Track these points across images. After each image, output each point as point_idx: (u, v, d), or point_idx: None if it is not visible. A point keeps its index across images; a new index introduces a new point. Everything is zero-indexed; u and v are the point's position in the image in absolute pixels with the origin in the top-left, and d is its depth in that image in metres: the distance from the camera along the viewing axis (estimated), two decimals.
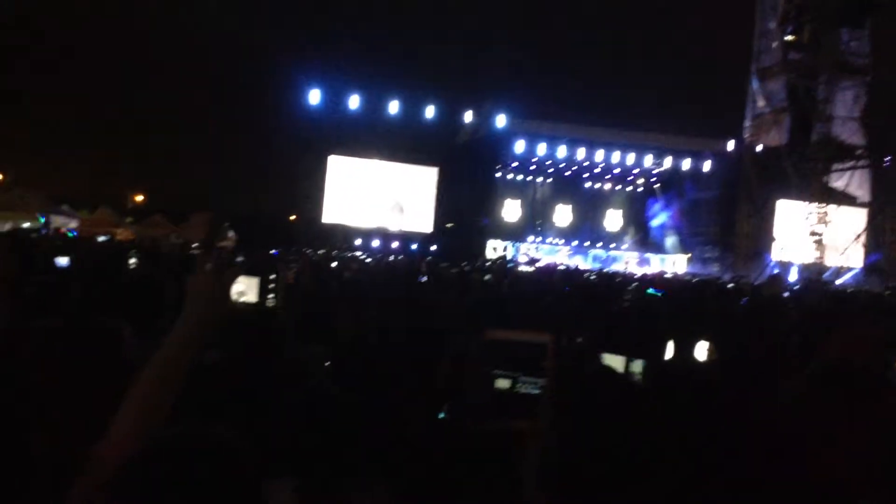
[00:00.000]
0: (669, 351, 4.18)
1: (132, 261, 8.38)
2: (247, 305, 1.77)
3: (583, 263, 32.23)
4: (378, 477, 2.28)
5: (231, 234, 32.36)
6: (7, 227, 22.96)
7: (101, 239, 17.79)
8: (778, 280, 12.33)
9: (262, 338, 3.31)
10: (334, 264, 12.66)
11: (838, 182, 30.43)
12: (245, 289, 1.82)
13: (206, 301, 1.63)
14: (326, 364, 3.66)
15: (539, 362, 1.71)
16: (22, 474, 2.10)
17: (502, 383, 1.71)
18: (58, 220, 28.55)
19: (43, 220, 25.20)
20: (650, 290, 12.18)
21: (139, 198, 50.83)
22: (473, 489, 2.09)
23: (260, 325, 3.28)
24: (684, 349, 3.93)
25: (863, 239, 28.48)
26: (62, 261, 8.27)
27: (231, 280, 1.68)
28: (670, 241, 40.43)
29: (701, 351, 3.99)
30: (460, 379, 2.90)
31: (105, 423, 1.60)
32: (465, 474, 2.05)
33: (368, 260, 17.20)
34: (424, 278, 8.78)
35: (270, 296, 1.91)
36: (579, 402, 2.73)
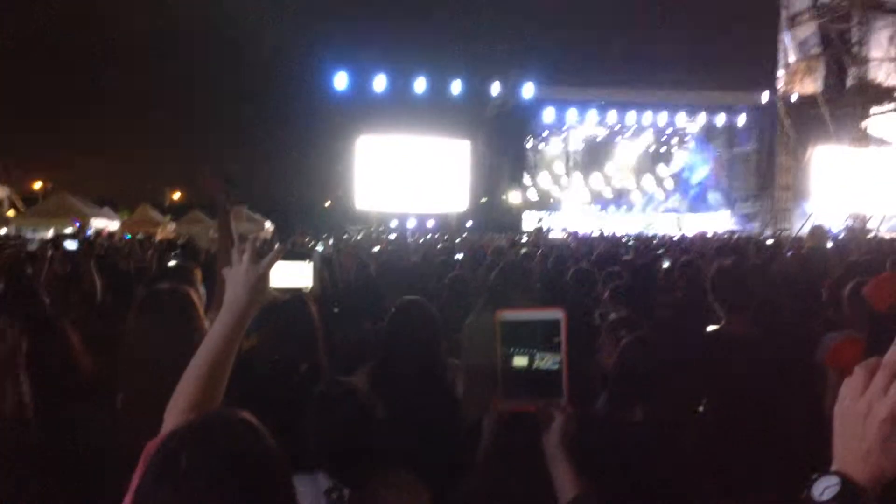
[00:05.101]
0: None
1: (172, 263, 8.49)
2: (285, 291, 1.81)
3: (620, 229, 31.88)
4: (407, 471, 2.29)
5: (268, 224, 32.72)
6: (50, 232, 23.42)
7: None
8: (820, 231, 12.09)
9: (299, 323, 3.35)
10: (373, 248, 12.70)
11: (877, 126, 29.73)
12: (285, 274, 1.86)
13: (245, 289, 1.68)
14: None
15: (553, 338, 1.66)
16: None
17: (519, 361, 1.68)
18: (99, 223, 29.05)
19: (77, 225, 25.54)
20: None
21: (176, 195, 51.54)
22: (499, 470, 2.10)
23: (296, 310, 3.31)
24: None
25: None
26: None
27: (268, 267, 1.73)
28: (711, 198, 39.83)
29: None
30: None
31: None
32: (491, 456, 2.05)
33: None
34: (459, 255, 8.77)
35: (307, 282, 1.95)
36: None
